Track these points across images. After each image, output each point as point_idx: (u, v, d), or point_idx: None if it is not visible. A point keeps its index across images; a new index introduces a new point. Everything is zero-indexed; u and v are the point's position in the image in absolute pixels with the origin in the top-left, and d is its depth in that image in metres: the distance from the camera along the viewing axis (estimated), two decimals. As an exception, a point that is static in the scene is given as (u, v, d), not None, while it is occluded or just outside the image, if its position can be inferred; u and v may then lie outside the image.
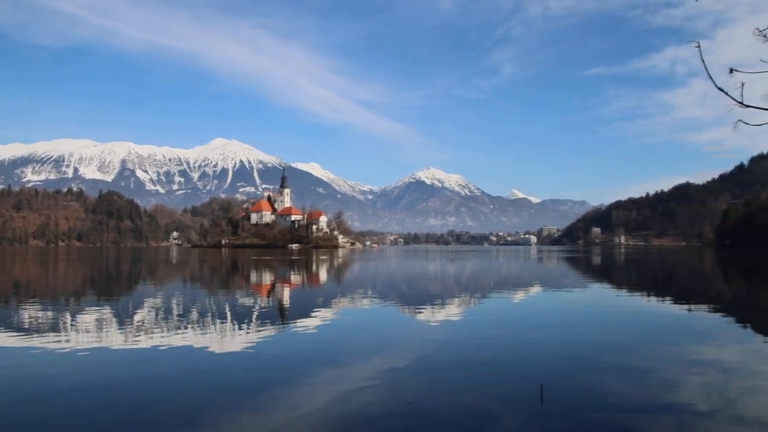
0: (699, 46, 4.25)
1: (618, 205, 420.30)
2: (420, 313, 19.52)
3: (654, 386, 9.56)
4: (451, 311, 19.93)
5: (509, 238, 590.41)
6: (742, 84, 4.08)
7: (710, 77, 4.28)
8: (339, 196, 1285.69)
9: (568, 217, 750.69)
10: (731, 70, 4.17)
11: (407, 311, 20.16)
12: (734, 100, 4.11)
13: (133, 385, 9.74)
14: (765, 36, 4.07)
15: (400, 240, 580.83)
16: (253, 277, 41.91)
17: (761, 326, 16.34)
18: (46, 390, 9.40)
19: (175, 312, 19.27)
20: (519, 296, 26.12)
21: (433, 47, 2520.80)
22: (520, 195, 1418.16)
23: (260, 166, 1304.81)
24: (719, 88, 4.11)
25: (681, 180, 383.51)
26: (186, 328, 15.69)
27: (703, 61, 4.25)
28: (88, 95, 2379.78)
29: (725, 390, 9.38)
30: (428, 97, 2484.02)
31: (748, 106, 4.14)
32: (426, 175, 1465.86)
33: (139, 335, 14.44)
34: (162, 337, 14.24)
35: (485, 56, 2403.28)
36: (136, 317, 17.85)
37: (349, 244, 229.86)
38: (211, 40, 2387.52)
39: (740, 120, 4.23)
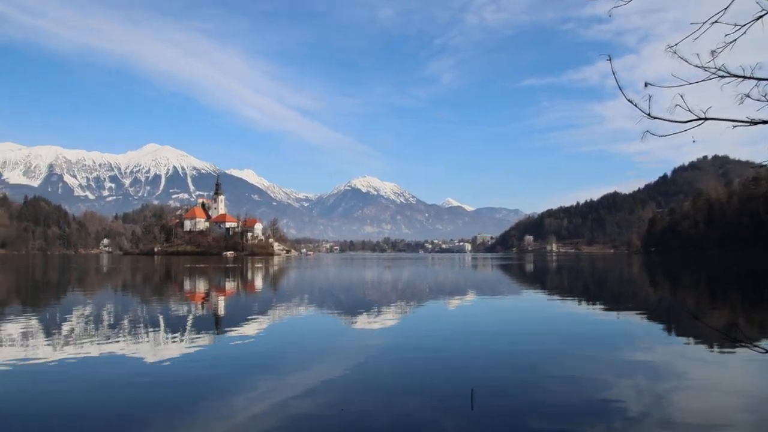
0: (610, 59, 4.49)
1: (550, 213, 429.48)
2: (356, 320, 19.57)
3: (584, 389, 9.87)
4: (388, 318, 20.05)
5: (444, 246, 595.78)
6: (650, 96, 4.33)
7: (620, 88, 4.53)
8: (274, 203, 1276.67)
9: (502, 225, 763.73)
10: (646, 84, 4.42)
11: (344, 318, 20.18)
12: (642, 111, 4.35)
13: (61, 398, 9.48)
14: (674, 52, 4.32)
15: (336, 247, 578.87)
16: (187, 284, 41.14)
17: (684, 329, 17.02)
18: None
19: (105, 321, 18.78)
20: (454, 302, 26.46)
21: (372, 56, 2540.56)
22: (455, 203, 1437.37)
23: (194, 172, 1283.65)
24: (628, 100, 4.36)
25: (611, 189, 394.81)
26: (117, 337, 15.32)
27: (614, 73, 4.49)
28: (13, 96, 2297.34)
29: (654, 392, 9.72)
30: (366, 105, 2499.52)
31: (654, 118, 4.38)
32: (362, 183, 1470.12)
33: (68, 346, 14.02)
34: (92, 347, 13.86)
35: (423, 65, 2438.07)
36: (65, 327, 17.32)
37: (284, 251, 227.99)
38: (144, 43, 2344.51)
39: (648, 131, 4.48)
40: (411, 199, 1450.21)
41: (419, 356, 12.84)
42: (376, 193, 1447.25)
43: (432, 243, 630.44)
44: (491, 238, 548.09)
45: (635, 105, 4.40)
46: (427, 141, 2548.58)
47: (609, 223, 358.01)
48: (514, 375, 11.00)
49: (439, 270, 71.17)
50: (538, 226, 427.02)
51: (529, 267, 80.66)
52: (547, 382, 10.46)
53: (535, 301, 27.99)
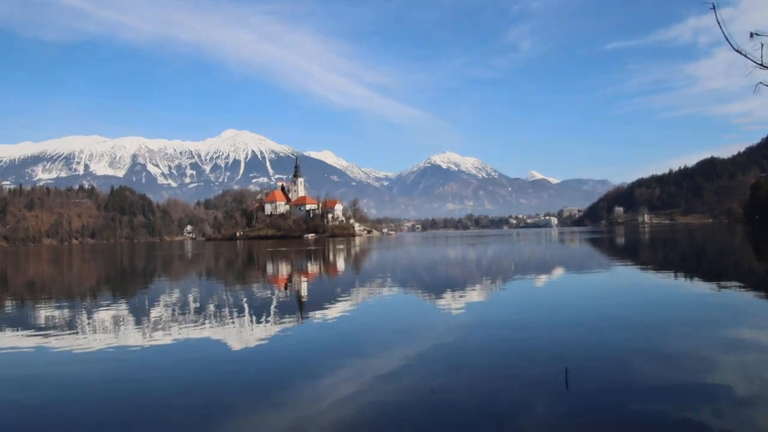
0: (714, 8, 4.17)
1: (641, 182, 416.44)
2: (442, 298, 19.52)
3: (686, 369, 9.44)
4: (473, 296, 19.92)
5: (529, 221, 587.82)
6: (762, 45, 3.98)
7: (727, 39, 4.23)
8: (354, 183, 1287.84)
9: (589, 197, 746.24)
10: (751, 35, 4.10)
11: (428, 297, 20.17)
12: (753, 61, 4.00)
13: (151, 382, 9.82)
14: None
15: (417, 226, 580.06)
16: (270, 268, 42.07)
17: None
18: (61, 389, 9.50)
19: (192, 306, 19.40)
20: (541, 278, 26.04)
21: (446, 27, 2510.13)
22: (539, 176, 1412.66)
23: (272, 155, 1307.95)
24: (737, 50, 4.03)
25: (706, 155, 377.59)
26: (203, 322, 15.80)
27: (719, 22, 4.18)
28: (96, 90, 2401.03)
29: (764, 373, 9.20)
30: (442, 79, 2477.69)
31: (768, 68, 4.02)
32: (442, 159, 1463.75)
33: (156, 331, 14.57)
34: (179, 332, 14.35)
35: (501, 33, 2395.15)
36: (153, 313, 18.00)
37: (365, 232, 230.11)
38: (217, 30, 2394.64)
39: (761, 82, 4.16)
40: (493, 173, 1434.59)
41: (507, 335, 12.67)
42: (456, 168, 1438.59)
43: (516, 218, 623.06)
44: (578, 211, 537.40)
45: (745, 55, 4.07)
46: (507, 112, 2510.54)
47: (706, 191, 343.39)
48: (609, 353, 10.69)
49: (525, 246, 70.28)
50: (628, 196, 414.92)
51: (620, 240, 78.59)
52: (644, 360, 10.11)
53: (627, 275, 27.21)
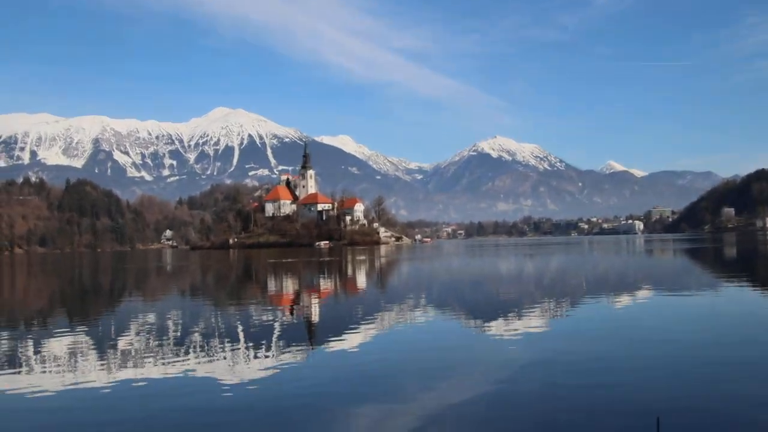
0: None
1: (761, 175, 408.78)
2: (490, 327, 19.39)
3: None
4: (532, 323, 19.75)
5: (606, 225, 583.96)
6: None
7: None
8: (379, 177, 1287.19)
9: (687, 195, 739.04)
10: None
11: (474, 325, 20.08)
12: None
13: None
14: None
15: (459, 232, 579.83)
16: (272, 285, 42.16)
17: None
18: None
19: (171, 335, 19.44)
20: (622, 302, 25.81)
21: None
22: (620, 167, 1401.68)
23: (274, 141, 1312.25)
24: None
25: None
26: (186, 355, 15.82)
27: None
28: (48, 57, 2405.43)
29: None
30: (493, 42, 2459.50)
31: None
32: (491, 146, 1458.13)
33: (125, 368, 14.56)
34: (155, 368, 14.34)
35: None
36: (121, 343, 18.04)
37: (393, 238, 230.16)
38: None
39: None
40: (558, 164, 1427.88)
41: (578, 378, 12.51)
42: (510, 158, 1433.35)
43: (589, 222, 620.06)
44: (672, 213, 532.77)
45: None
46: (578, 85, 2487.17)
47: None
48: (714, 399, 10.53)
49: (600, 258, 69.80)
50: (742, 194, 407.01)
51: (730, 252, 77.71)
52: (757, 410, 9.93)
53: (740, 300, 26.79)
